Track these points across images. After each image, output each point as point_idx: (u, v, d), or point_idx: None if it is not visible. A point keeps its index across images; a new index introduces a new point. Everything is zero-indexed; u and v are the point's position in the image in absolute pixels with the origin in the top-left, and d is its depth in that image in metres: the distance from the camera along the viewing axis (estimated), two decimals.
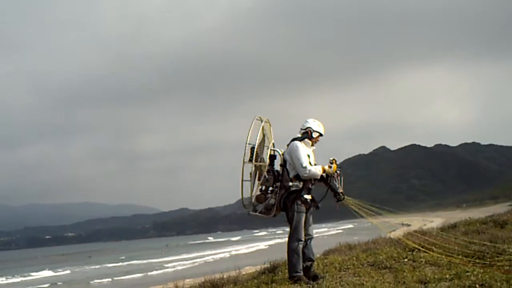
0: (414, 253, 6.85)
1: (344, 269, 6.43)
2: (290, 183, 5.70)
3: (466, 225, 10.43)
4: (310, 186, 5.81)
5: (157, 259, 42.97)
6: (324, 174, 5.79)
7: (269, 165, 5.92)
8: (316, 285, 5.52)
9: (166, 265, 33.89)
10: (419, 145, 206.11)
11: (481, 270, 5.45)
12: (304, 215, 5.73)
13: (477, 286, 4.88)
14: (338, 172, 5.85)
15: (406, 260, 6.53)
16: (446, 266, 5.94)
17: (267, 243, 48.08)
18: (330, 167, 5.78)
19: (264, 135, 6.10)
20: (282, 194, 5.76)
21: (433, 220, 46.19)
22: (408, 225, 37.29)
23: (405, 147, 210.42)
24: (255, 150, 5.78)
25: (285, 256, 5.98)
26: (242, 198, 5.83)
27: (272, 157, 5.98)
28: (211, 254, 41.80)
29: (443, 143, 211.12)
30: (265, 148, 6.10)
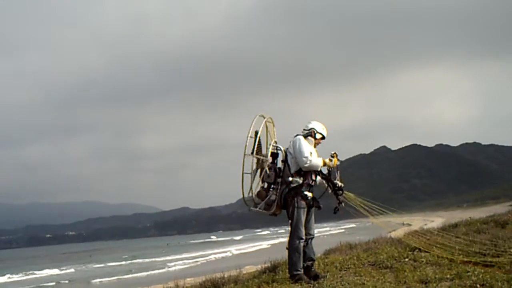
0: (415, 252, 6.86)
1: (345, 269, 6.43)
2: (291, 179, 5.73)
3: (467, 225, 10.43)
4: (310, 182, 5.82)
5: (160, 258, 42.93)
6: (326, 171, 5.82)
7: (271, 162, 5.94)
8: (316, 285, 5.52)
9: (169, 264, 33.85)
10: (420, 145, 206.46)
11: (482, 270, 5.46)
12: (304, 211, 5.73)
13: (478, 286, 4.90)
14: (337, 165, 5.90)
15: (407, 259, 6.53)
16: (447, 266, 5.95)
17: (270, 242, 47.91)
18: (331, 160, 5.82)
19: (267, 132, 6.11)
20: (283, 189, 5.79)
21: (434, 220, 46.08)
22: (409, 224, 37.34)
23: (406, 147, 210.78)
24: (256, 142, 5.78)
25: (286, 255, 5.98)
26: (243, 191, 5.82)
27: (274, 155, 5.99)
28: (212, 253, 41.73)
29: (444, 143, 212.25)
30: (268, 145, 6.11)
